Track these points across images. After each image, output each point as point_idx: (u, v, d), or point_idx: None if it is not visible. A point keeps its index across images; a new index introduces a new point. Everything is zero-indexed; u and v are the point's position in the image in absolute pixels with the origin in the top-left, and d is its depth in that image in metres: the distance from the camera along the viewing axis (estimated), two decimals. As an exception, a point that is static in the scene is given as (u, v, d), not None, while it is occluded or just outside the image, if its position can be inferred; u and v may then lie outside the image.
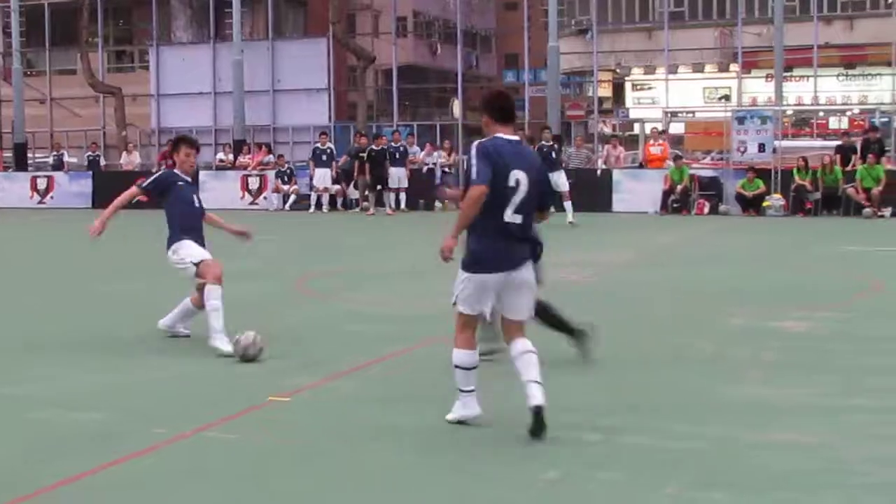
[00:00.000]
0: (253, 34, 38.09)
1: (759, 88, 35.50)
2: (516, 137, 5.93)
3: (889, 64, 33.62)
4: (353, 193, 26.84)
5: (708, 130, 31.46)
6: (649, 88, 41.49)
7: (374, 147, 25.61)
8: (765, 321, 9.86)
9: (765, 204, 24.13)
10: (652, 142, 28.86)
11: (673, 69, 36.78)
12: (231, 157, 30.30)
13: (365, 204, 25.66)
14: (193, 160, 8.98)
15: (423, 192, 26.05)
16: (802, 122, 34.18)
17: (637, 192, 25.51)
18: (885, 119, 30.70)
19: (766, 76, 33.58)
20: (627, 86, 42.56)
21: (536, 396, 5.49)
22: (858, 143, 25.10)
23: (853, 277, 13.69)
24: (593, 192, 24.66)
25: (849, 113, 34.51)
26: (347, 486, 5.01)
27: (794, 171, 24.13)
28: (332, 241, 19.70)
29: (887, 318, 9.99)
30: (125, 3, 41.03)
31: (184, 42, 39.29)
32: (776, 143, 25.80)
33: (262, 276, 12.85)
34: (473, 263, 5.66)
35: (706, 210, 24.75)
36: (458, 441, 5.68)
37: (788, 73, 34.54)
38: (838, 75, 38.21)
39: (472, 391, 5.75)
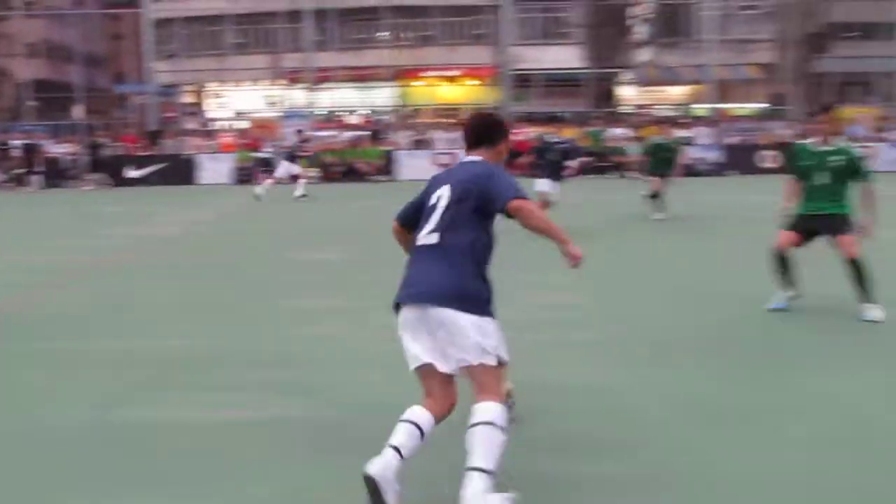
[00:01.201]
0: None
1: (300, 96, 39.28)
2: (477, 158, 4.17)
3: (385, 79, 41.49)
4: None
5: (265, 126, 34.35)
6: (223, 97, 45.02)
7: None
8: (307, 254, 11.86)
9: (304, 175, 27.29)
10: (225, 134, 33.91)
11: (240, 82, 42.88)
12: None
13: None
14: None
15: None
16: (329, 119, 38.97)
17: (216, 169, 28.61)
18: (382, 117, 38.94)
19: (305, 88, 38.19)
20: (206, 95, 46.03)
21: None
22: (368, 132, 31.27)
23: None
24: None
25: (360, 111, 41.65)
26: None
27: (324, 152, 28.33)
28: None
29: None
30: None
31: None
32: (311, 133, 29.31)
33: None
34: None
35: (267, 180, 27.43)
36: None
37: (319, 86, 39.98)
38: (353, 87, 43.47)
39: (394, 447, 3.66)
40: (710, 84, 36.04)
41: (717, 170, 28.02)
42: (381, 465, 3.63)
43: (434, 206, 4.02)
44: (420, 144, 29.94)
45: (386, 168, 27.73)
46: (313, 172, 26.70)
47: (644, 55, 41.61)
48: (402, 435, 3.73)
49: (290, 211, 19.26)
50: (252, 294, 9.08)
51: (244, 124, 38.13)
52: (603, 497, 4.00)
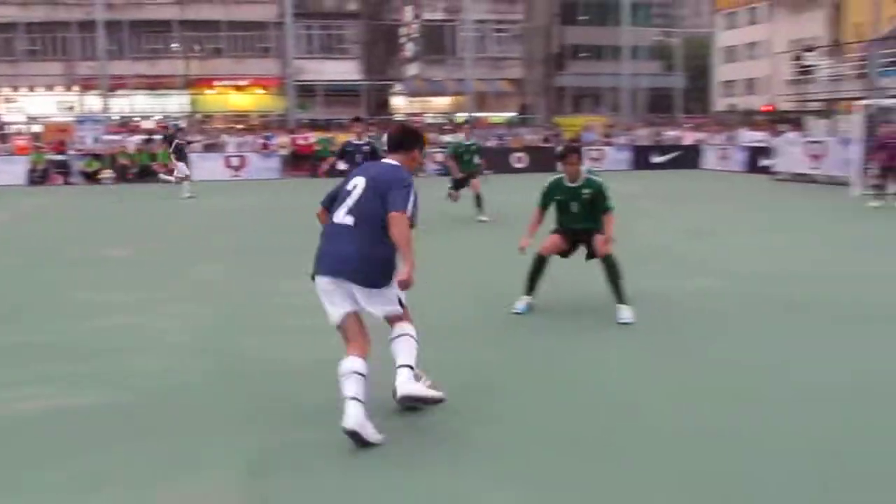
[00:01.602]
0: None
1: (94, 102, 39.33)
2: (393, 162, 4.65)
3: (175, 87, 42.20)
4: None
5: (60, 129, 32.16)
6: (16, 101, 43.48)
7: None
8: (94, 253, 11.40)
9: (101, 176, 26.58)
10: (20, 137, 32.79)
11: (33, 88, 41.82)
12: None
13: None
14: None
15: None
16: (124, 123, 38.20)
17: (9, 171, 26.45)
18: (176, 123, 39.19)
19: (100, 94, 38.04)
20: (-1, 99, 45.35)
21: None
22: (161, 136, 29.29)
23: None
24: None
25: (155, 118, 41.36)
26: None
27: (119, 154, 27.39)
28: None
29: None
30: None
31: None
32: (106, 136, 29.34)
33: None
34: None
35: (60, 182, 26.50)
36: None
37: (113, 93, 39.86)
38: (147, 94, 43.85)
39: (352, 398, 4.17)
40: (469, 95, 38.29)
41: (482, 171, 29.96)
42: (353, 417, 4.14)
43: (349, 193, 4.49)
44: (211, 148, 30.93)
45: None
46: (108, 173, 26.78)
47: (413, 69, 44.32)
48: (352, 385, 4.19)
49: (88, 210, 18.68)
50: (48, 290, 8.70)
51: (38, 128, 36.77)
52: (368, 462, 3.98)
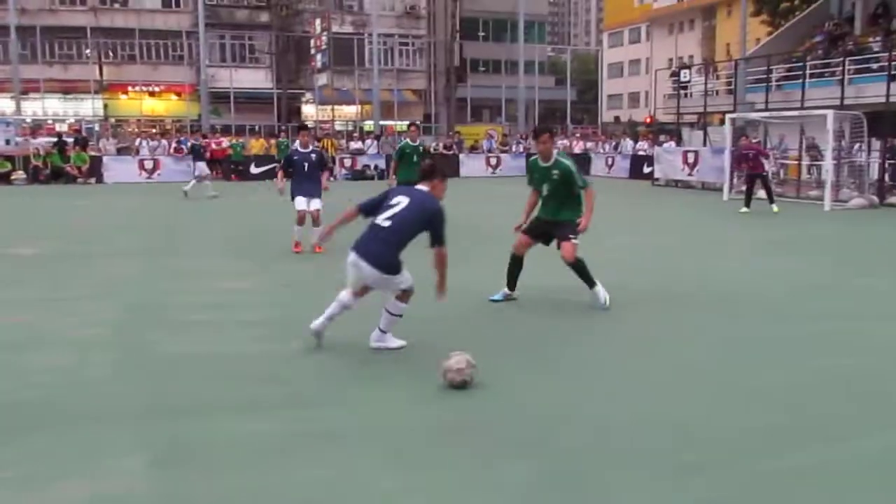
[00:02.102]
0: None
1: (7, 105, 37.44)
2: (424, 188, 5.73)
3: (89, 92, 40.54)
4: None
5: None
6: None
7: None
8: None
9: (13, 178, 26.03)
10: None
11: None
12: None
13: None
14: None
15: None
16: (38, 126, 36.06)
17: None
18: (90, 126, 38.00)
19: (11, 97, 36.66)
20: None
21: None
22: (72, 138, 30.01)
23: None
24: None
25: (68, 121, 40.04)
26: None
27: (32, 156, 26.50)
28: None
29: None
30: None
31: None
32: (19, 139, 28.16)
33: None
34: None
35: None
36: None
37: (25, 96, 38.31)
38: (61, 98, 42.01)
39: (326, 314, 5.69)
40: (376, 104, 38.16)
41: (382, 175, 29.40)
42: (317, 323, 5.69)
43: (392, 206, 5.52)
44: (125, 151, 30.03)
45: (91, 172, 27.53)
46: (20, 175, 26.01)
47: (322, 79, 43.90)
48: (332, 307, 5.66)
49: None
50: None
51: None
52: (267, 453, 3.91)
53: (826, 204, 17.61)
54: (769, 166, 18.07)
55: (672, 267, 9.78)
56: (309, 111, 46.28)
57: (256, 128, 40.83)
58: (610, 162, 32.12)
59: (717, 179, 22.13)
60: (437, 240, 5.53)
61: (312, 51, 43.28)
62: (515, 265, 7.41)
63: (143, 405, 4.72)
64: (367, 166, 30.02)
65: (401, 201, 5.51)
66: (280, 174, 11.30)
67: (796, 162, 22.11)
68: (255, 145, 31.18)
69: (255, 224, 14.86)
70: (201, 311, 7.15)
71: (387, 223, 5.45)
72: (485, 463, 3.91)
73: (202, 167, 21.51)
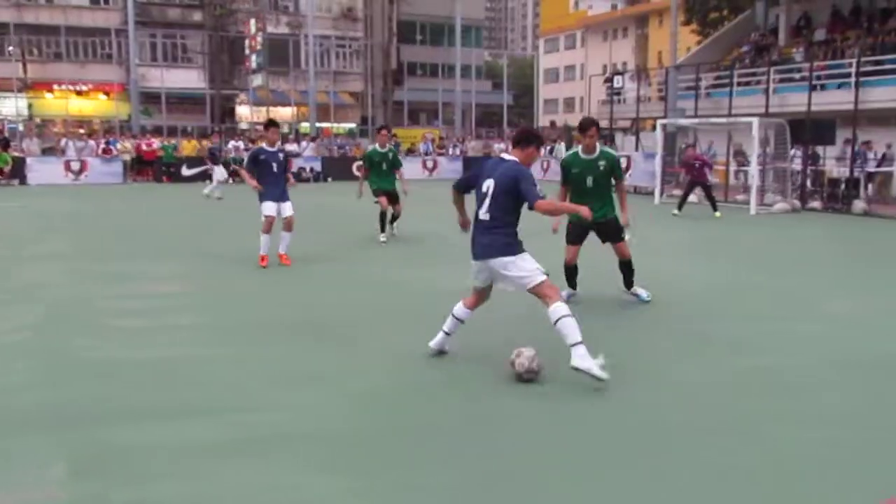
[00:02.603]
0: None
1: None
2: (512, 157, 5.45)
3: (12, 90, 38.63)
4: None
5: None
6: None
7: None
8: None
9: None
10: None
11: None
12: None
13: None
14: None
15: None
16: None
17: None
18: (13, 125, 36.52)
19: None
20: None
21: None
22: None
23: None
24: None
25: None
26: None
27: None
28: None
29: None
30: None
31: None
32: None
33: None
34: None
35: None
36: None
37: None
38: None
39: (444, 330, 5.62)
40: (312, 106, 37.75)
41: (318, 178, 29.45)
42: (435, 341, 5.65)
43: (486, 194, 5.33)
44: (50, 152, 29.08)
45: (14, 173, 26.50)
46: None
47: (257, 80, 43.35)
48: (447, 322, 5.60)
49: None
50: None
51: None
52: (196, 460, 3.87)
53: (752, 208, 18.17)
54: (712, 177, 18.55)
55: (604, 268, 9.94)
56: (243, 112, 45.67)
57: (189, 129, 40.06)
58: (545, 166, 32.50)
59: (650, 184, 22.62)
60: (531, 199, 5.24)
61: (247, 51, 42.70)
62: (572, 272, 7.72)
63: (66, 412, 4.59)
64: (303, 168, 29.73)
65: (488, 185, 5.35)
66: (246, 174, 9.87)
67: (724, 167, 22.74)
68: (188, 146, 30.60)
69: (188, 226, 14.61)
70: (127, 316, 7.03)
71: (486, 216, 5.36)
72: (418, 466, 3.92)
73: (221, 171, 21.93)
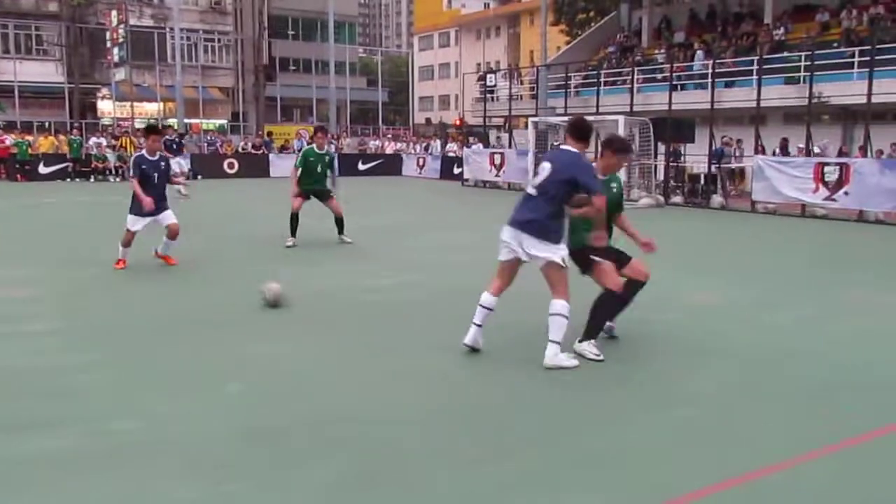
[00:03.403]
0: None
1: None
2: (573, 149, 5.46)
3: None
4: None
5: None
6: None
7: None
8: None
9: None
10: None
11: None
12: None
13: None
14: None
15: None
16: None
17: None
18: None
19: None
20: None
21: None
22: None
23: None
24: None
25: None
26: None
27: None
28: None
29: None
30: None
31: None
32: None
33: None
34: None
35: None
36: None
37: None
38: None
39: (475, 323, 5.65)
40: (179, 101, 36.21)
41: (189, 176, 28.71)
42: (469, 338, 5.65)
43: (538, 172, 5.45)
44: None
45: None
46: None
47: (120, 74, 41.53)
48: (478, 314, 5.56)
49: None
50: None
51: None
52: (62, 472, 3.71)
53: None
54: None
55: (481, 264, 10.08)
56: (106, 107, 43.67)
57: (46, 124, 37.89)
58: (421, 163, 32.72)
59: (522, 180, 23.13)
60: (590, 190, 5.28)
61: (108, 44, 40.80)
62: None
63: None
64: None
65: (544, 167, 5.42)
66: (137, 185, 9.23)
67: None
68: (44, 143, 28.92)
69: (46, 227, 13.82)
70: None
71: (533, 191, 5.41)
72: (286, 466, 3.86)
73: (179, 163, 20.83)
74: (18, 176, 26.56)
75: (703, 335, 6.55)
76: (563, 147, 5.59)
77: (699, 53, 26.86)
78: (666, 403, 4.84)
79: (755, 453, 4.07)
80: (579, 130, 5.54)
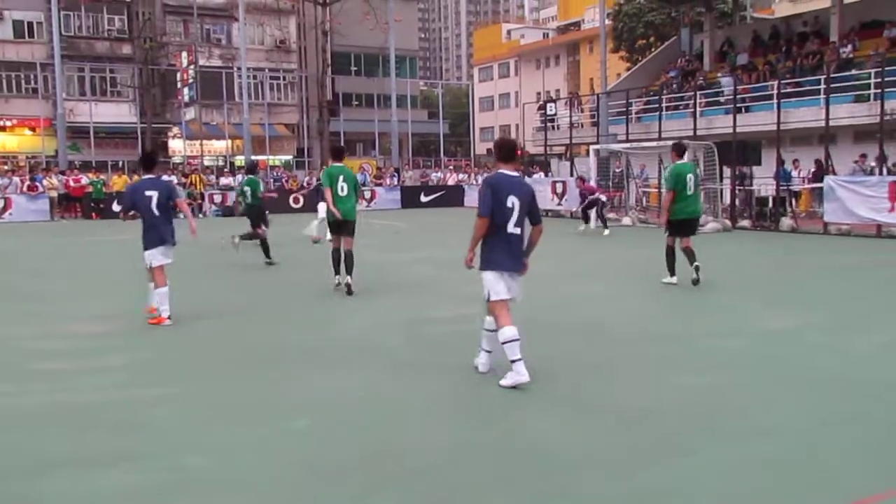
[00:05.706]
0: None
1: None
2: (516, 173, 5.80)
3: None
4: None
5: None
6: None
7: None
8: None
9: None
10: None
11: None
12: None
13: None
14: None
15: None
16: None
17: None
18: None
19: None
20: None
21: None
22: None
23: None
24: None
25: None
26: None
27: None
28: None
29: None
30: None
31: None
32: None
33: None
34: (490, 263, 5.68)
35: None
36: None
37: None
38: None
39: (519, 359, 5.54)
40: (247, 139, 36.73)
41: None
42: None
43: (512, 209, 5.61)
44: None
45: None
46: None
47: (190, 113, 42.72)
48: (514, 349, 5.57)
49: None
50: None
51: None
52: None
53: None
54: (603, 197, 19.97)
55: (547, 294, 9.96)
56: (176, 146, 44.92)
57: (120, 163, 39.17)
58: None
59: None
60: (537, 218, 5.86)
61: (179, 84, 42.09)
62: (671, 254, 10.33)
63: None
64: (238, 202, 29.24)
65: (514, 203, 5.62)
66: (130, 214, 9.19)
67: (657, 190, 23.17)
68: (118, 182, 29.89)
69: (119, 263, 14.17)
70: (50, 358, 6.70)
71: (517, 230, 5.67)
72: (357, 501, 3.79)
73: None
74: (93, 214, 27.45)
75: (776, 361, 6.29)
76: (507, 173, 5.73)
77: (765, 75, 26.32)
78: (743, 437, 4.64)
79: (838, 490, 3.85)
80: (510, 151, 5.84)
